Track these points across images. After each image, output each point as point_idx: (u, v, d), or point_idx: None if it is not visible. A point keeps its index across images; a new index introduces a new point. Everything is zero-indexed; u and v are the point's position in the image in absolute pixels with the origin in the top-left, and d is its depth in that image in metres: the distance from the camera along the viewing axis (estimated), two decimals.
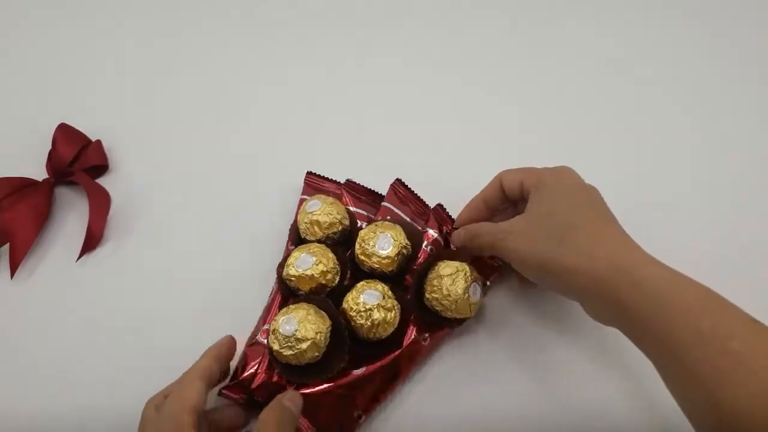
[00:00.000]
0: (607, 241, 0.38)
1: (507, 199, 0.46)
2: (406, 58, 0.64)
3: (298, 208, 0.49)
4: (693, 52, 0.64)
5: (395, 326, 0.43)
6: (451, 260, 0.45)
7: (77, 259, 0.50)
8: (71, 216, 0.53)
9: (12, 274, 0.49)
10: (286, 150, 0.57)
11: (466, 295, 0.43)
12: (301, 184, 0.52)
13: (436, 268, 0.44)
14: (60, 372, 0.46)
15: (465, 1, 0.69)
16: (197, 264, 0.50)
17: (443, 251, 0.47)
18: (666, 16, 0.67)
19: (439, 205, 0.49)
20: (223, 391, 0.43)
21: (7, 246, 0.50)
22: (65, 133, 0.56)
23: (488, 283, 0.48)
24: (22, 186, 0.53)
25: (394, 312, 0.43)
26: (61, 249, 0.51)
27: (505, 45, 0.65)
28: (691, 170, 0.56)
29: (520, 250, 0.40)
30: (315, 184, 0.52)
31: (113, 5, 0.67)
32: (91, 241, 0.51)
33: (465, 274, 0.43)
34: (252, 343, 0.44)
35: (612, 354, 0.45)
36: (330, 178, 0.52)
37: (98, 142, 0.56)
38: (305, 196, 0.51)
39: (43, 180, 0.54)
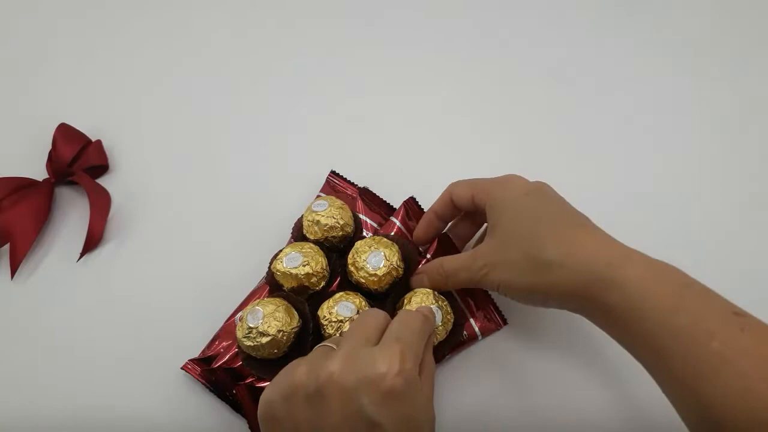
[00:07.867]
0: (577, 247, 0.37)
1: (459, 212, 0.46)
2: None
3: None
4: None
5: None
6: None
7: (78, 259, 0.50)
8: (71, 216, 0.53)
9: (12, 274, 0.50)
10: (288, 151, 0.57)
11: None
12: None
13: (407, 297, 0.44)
14: (60, 371, 0.46)
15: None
16: (198, 264, 0.50)
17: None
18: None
19: (446, 235, 0.48)
20: (186, 365, 0.44)
21: (7, 246, 0.50)
22: (65, 133, 0.56)
23: (480, 337, 0.46)
24: (22, 186, 0.53)
25: None
26: (62, 249, 0.51)
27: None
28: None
29: (504, 282, 0.40)
30: (335, 184, 0.52)
31: (113, 4, 0.67)
32: (92, 241, 0.51)
33: (429, 297, 0.43)
34: (230, 322, 0.45)
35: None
36: (351, 181, 0.52)
37: (98, 142, 0.56)
38: (322, 194, 0.51)
39: (43, 180, 0.54)
